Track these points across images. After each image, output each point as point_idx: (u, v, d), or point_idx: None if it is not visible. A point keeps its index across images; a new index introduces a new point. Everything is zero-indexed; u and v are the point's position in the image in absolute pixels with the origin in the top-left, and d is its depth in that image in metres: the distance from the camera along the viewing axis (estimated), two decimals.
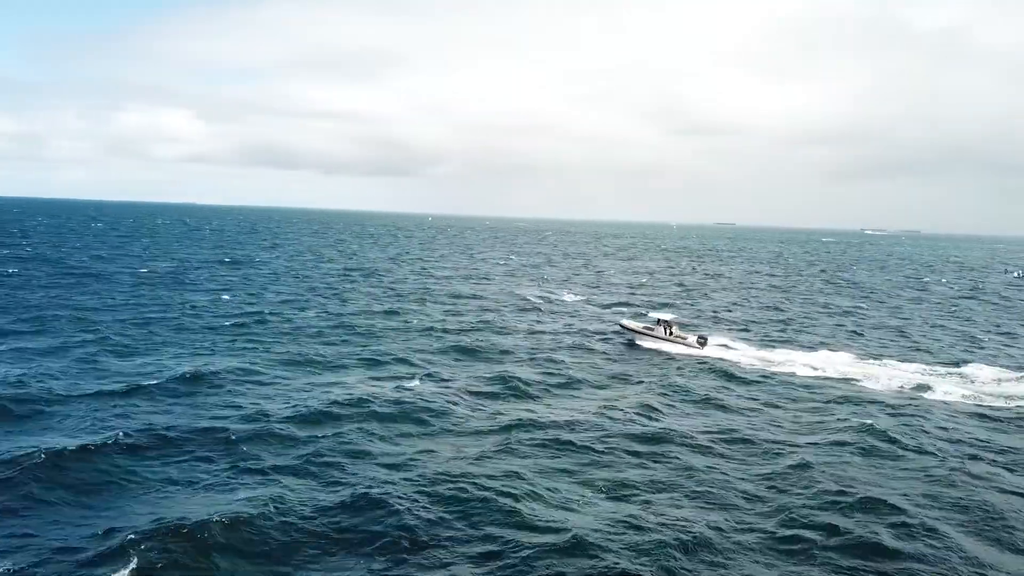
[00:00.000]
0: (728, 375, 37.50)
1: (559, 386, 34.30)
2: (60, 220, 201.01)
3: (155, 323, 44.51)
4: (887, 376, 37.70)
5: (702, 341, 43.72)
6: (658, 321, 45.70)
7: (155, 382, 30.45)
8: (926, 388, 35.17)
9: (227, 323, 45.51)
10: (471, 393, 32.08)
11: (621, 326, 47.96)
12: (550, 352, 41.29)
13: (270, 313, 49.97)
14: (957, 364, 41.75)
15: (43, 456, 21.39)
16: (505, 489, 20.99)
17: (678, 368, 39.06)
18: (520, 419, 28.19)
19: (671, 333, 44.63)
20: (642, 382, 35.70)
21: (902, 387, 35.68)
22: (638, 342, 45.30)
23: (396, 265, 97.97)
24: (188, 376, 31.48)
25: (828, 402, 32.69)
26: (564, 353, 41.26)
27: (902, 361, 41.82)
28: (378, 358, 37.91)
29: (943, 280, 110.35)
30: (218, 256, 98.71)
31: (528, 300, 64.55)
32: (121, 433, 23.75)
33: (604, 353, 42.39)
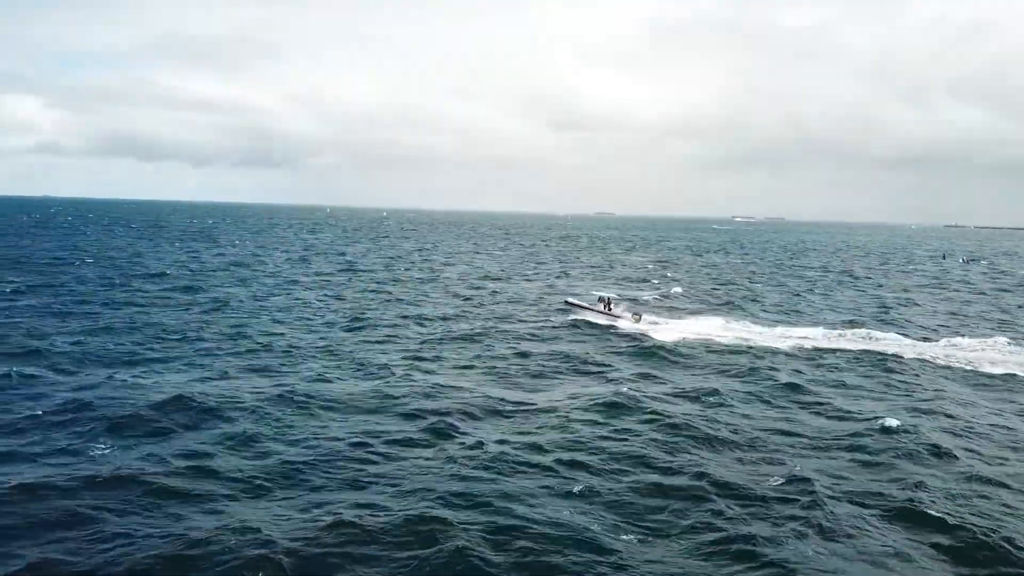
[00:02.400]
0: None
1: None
2: None
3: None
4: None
5: (637, 317, 47.07)
6: (599, 299, 50.35)
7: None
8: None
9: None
10: None
11: (566, 302, 52.11)
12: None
13: None
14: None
15: None
16: None
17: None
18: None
19: (609, 309, 48.34)
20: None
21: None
22: (582, 317, 48.49)
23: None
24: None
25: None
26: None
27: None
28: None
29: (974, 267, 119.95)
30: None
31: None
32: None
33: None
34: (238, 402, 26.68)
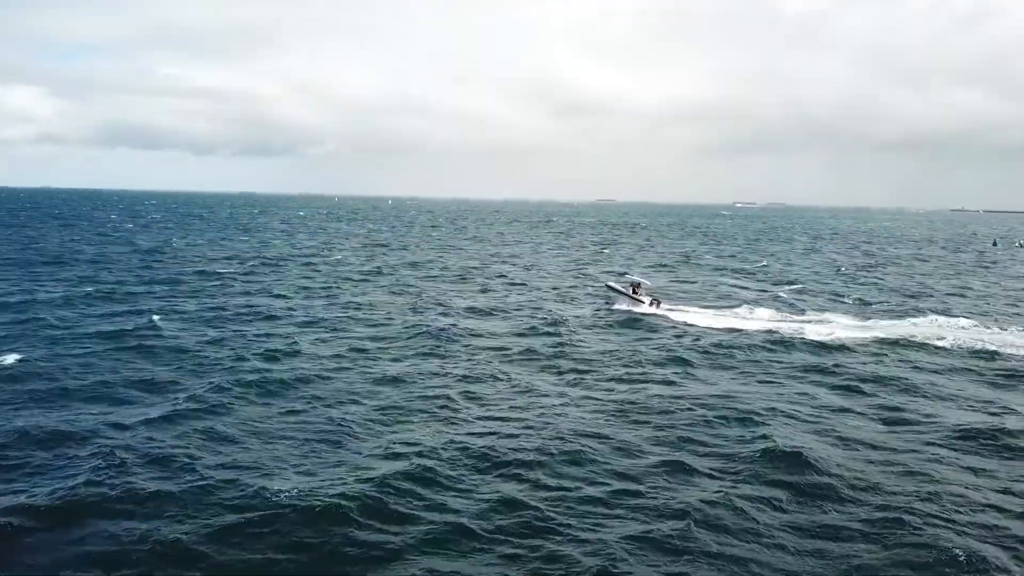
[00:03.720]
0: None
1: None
2: None
3: None
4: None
5: (656, 303, 49.78)
6: (630, 283, 53.24)
7: None
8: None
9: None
10: None
11: (607, 287, 55.50)
12: None
13: None
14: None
15: None
16: None
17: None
18: None
19: (635, 293, 51.14)
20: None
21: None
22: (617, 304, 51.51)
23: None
24: None
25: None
26: None
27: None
28: None
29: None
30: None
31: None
32: None
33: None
34: None
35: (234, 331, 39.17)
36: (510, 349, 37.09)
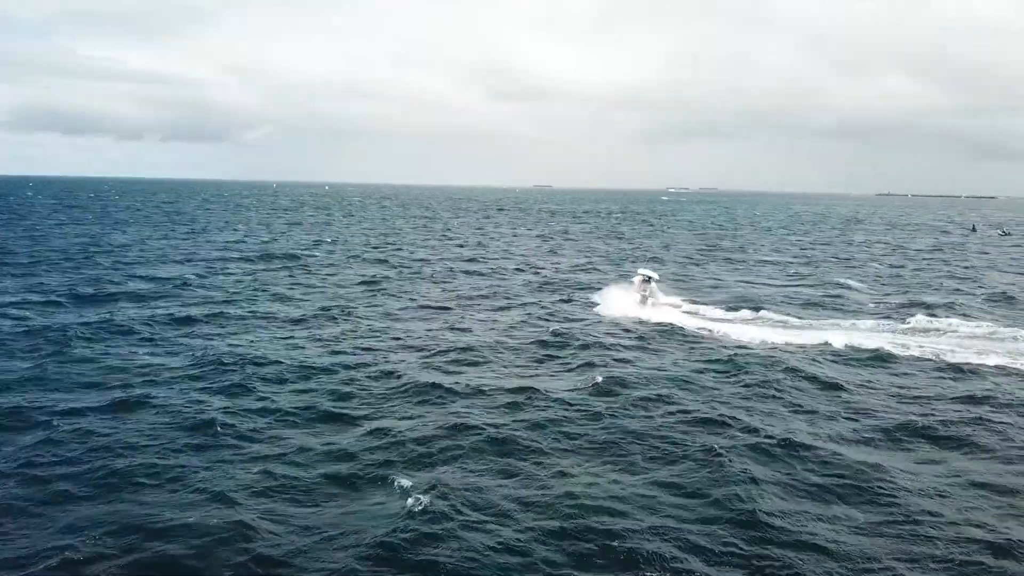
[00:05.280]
0: None
1: None
2: None
3: None
4: None
5: (644, 298, 43.26)
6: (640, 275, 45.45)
7: None
8: None
9: None
10: None
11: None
12: None
13: None
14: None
15: None
16: None
17: None
18: None
19: (644, 291, 43.98)
20: None
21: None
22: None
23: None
24: None
25: None
26: None
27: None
28: None
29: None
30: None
31: None
32: None
33: None
34: None
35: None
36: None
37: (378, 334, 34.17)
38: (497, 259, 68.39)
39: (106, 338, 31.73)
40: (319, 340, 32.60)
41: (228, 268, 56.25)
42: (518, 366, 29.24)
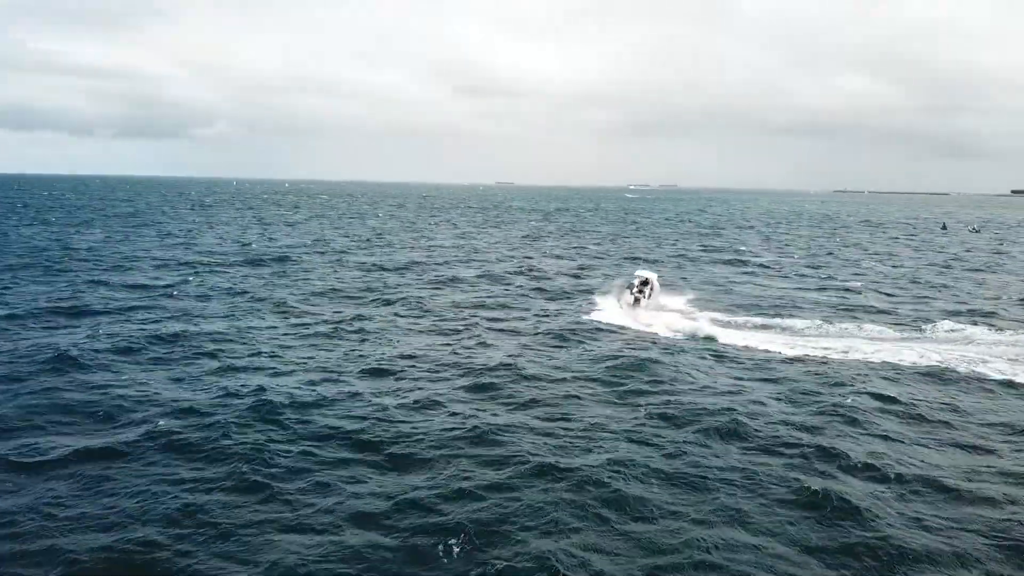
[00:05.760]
0: None
1: None
2: None
3: None
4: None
5: (632, 300, 42.31)
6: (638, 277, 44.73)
7: None
8: None
9: None
10: None
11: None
12: None
13: None
14: None
15: None
16: None
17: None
18: None
19: (641, 293, 42.90)
20: None
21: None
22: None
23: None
24: None
25: None
26: None
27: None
28: None
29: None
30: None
31: None
32: None
33: None
34: None
35: None
36: None
37: (397, 354, 31.07)
38: (492, 262, 65.52)
39: (90, 358, 28.11)
40: (332, 359, 29.44)
41: (214, 271, 52.40)
42: (564, 396, 26.35)
